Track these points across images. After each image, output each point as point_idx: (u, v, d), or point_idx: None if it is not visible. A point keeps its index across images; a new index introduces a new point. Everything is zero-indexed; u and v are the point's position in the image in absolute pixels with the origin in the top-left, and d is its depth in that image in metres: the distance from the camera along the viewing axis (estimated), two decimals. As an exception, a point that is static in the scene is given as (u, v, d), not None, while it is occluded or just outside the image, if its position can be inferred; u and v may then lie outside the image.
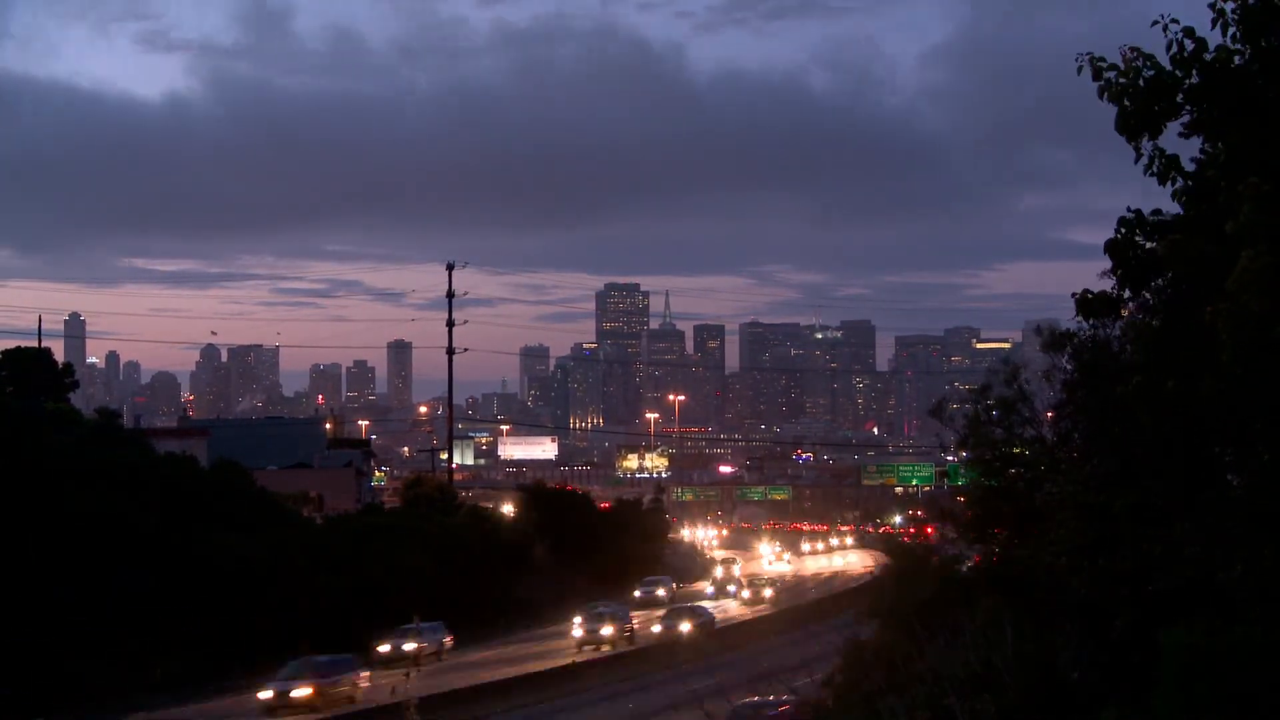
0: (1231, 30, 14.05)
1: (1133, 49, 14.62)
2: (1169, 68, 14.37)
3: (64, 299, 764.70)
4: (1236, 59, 14.15)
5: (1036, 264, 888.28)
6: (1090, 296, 16.26)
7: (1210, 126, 14.50)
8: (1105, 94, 14.65)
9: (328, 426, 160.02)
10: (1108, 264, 15.77)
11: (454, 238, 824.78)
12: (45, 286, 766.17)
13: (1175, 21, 14.22)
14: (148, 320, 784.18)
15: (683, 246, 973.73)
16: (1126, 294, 16.24)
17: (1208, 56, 14.18)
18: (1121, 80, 14.50)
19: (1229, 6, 14.09)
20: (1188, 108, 14.47)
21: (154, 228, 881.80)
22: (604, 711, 56.42)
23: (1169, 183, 14.71)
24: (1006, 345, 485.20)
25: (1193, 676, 14.54)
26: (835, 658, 39.28)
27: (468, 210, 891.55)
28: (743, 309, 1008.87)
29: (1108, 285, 16.34)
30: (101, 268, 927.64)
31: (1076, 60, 14.74)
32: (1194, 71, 14.27)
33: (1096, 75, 14.67)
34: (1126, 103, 14.48)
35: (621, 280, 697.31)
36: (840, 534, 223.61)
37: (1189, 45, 14.19)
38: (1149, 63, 14.45)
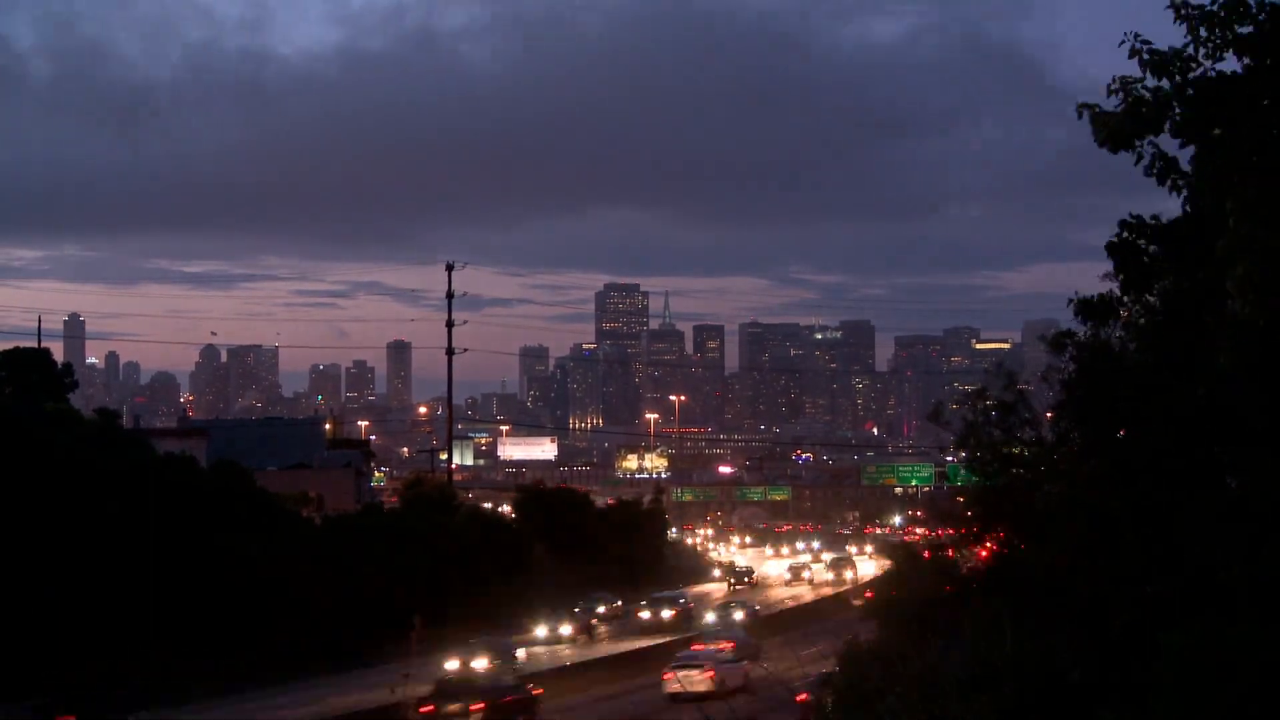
0: (1203, 42, 14.03)
1: (1120, 78, 14.66)
2: (1152, 81, 14.37)
3: (82, 300, 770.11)
4: (1203, 67, 14.13)
5: (1065, 265, 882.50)
6: (1089, 300, 16.29)
7: (1195, 133, 14.50)
8: (1098, 137, 14.70)
9: (327, 426, 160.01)
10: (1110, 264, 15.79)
11: (473, 237, 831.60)
12: (66, 287, 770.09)
13: (1147, 41, 14.21)
14: (162, 321, 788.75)
15: (700, 247, 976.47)
16: (1128, 297, 16.24)
17: (1178, 68, 14.17)
18: (1112, 119, 14.56)
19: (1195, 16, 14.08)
20: (1177, 110, 14.47)
21: (187, 228, 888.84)
22: None
23: (1170, 186, 14.72)
24: (1006, 346, 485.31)
25: (1193, 676, 14.52)
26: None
27: (489, 209, 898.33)
28: (757, 310, 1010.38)
29: (1108, 287, 16.36)
30: (125, 268, 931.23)
31: (1079, 112, 14.78)
32: (1168, 80, 14.27)
33: (1095, 122, 14.75)
34: (1112, 128, 14.51)
35: (622, 280, 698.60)
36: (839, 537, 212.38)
37: (1154, 59, 14.18)
38: (1138, 85, 14.46)
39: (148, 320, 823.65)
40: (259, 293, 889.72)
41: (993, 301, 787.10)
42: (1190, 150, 14.87)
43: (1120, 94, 14.40)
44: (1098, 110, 14.64)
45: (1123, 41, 14.33)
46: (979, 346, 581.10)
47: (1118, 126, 14.27)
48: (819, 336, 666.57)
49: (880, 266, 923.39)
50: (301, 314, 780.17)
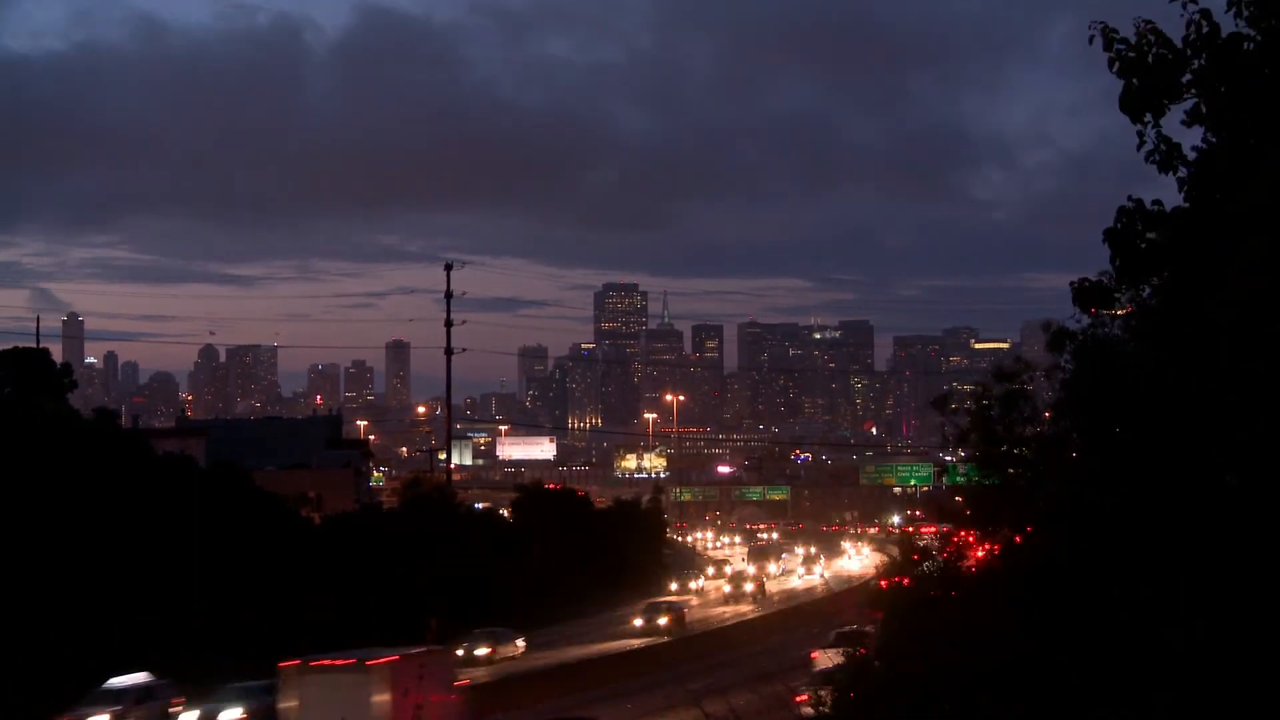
0: (1246, 14, 13.84)
1: (1146, 22, 14.39)
2: (1180, 47, 14.16)
3: (123, 302, 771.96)
4: (1248, 45, 13.95)
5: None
6: (1087, 285, 16.17)
7: (1214, 114, 14.31)
8: (1114, 66, 14.44)
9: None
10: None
11: (489, 236, 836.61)
12: (101, 289, 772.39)
13: (1193, 1, 14.03)
14: (192, 324, 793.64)
15: (721, 247, 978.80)
16: (1123, 283, 16.12)
17: (1220, 40, 13.99)
18: (1131, 55, 14.29)
19: None
20: (1192, 91, 14.28)
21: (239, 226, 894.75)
22: None
23: (1171, 171, 14.57)
24: (1005, 345, 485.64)
25: (1193, 677, 14.44)
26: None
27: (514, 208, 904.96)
28: (781, 310, 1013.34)
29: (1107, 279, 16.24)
30: (168, 269, 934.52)
31: (1090, 29, 14.52)
32: (1203, 55, 14.07)
33: (1108, 46, 14.45)
34: (1134, 80, 14.28)
35: (620, 280, 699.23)
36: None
37: (1205, 27, 13.99)
38: (1160, 39, 14.24)
39: (181, 323, 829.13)
40: (292, 294, 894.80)
41: (1029, 303, 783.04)
42: (1192, 142, 14.74)
43: (1149, 39, 14.17)
44: (1115, 39, 14.33)
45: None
46: (978, 346, 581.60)
47: (1139, 69, 14.00)
48: (818, 336, 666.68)
49: (915, 267, 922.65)
50: (338, 315, 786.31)
